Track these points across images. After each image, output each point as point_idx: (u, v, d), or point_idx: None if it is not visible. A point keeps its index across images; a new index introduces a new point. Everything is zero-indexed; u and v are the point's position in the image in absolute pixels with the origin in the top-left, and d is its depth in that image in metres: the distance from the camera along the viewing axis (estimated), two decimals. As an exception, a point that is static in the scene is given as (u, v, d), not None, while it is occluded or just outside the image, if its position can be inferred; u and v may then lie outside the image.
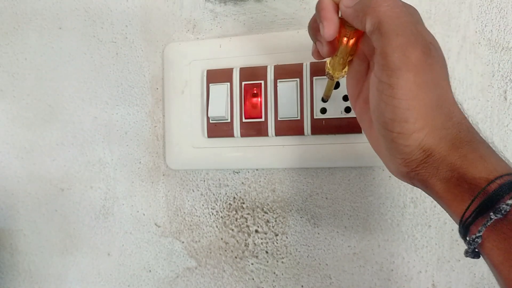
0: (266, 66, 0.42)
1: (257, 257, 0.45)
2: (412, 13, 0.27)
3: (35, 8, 0.50)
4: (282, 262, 0.44)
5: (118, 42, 0.48)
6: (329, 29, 0.28)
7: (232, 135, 0.43)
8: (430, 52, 0.25)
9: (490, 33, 0.39)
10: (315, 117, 0.40)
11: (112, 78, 0.48)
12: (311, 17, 0.30)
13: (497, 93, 0.39)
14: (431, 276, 0.41)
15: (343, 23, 0.29)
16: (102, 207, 0.49)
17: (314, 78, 0.40)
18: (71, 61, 0.49)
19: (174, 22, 0.46)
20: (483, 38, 0.40)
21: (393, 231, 0.42)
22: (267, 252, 0.45)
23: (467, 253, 0.25)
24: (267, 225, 0.44)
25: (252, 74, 0.42)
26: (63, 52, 0.50)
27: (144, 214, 0.48)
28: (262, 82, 0.42)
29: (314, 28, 0.31)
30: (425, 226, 0.41)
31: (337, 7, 0.29)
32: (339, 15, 0.29)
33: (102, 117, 0.49)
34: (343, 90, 0.40)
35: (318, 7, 0.29)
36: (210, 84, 0.43)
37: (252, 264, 0.45)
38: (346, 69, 0.33)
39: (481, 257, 0.25)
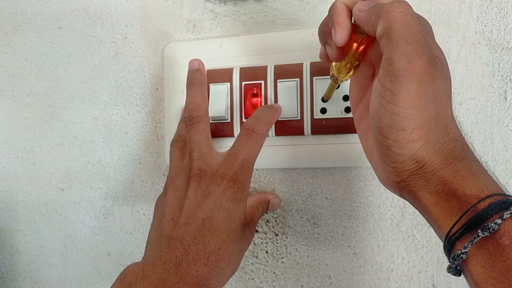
0: (266, 66, 0.42)
1: (257, 257, 0.45)
2: (423, 24, 0.27)
3: (35, 8, 0.50)
4: (282, 262, 0.44)
5: (118, 42, 0.48)
6: (341, 34, 0.28)
7: (232, 135, 0.43)
8: (436, 65, 0.25)
9: (490, 33, 0.39)
10: (315, 117, 0.40)
11: (112, 78, 0.48)
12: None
13: (497, 93, 0.39)
14: (431, 276, 0.41)
15: (354, 28, 0.29)
16: (102, 207, 0.49)
17: (314, 78, 0.40)
18: (71, 61, 0.49)
19: (174, 22, 0.46)
20: (483, 38, 0.40)
21: (393, 231, 0.42)
22: (267, 252, 0.45)
23: (449, 269, 0.25)
24: (267, 225, 0.45)
25: (252, 74, 0.42)
26: (63, 52, 0.50)
27: (144, 214, 0.48)
28: (262, 82, 0.42)
29: (325, 31, 0.31)
30: (425, 226, 0.41)
31: (350, 12, 0.28)
32: (352, 21, 0.29)
33: (102, 117, 0.49)
34: (343, 90, 0.40)
35: (331, 12, 0.29)
36: (210, 84, 0.43)
37: (252, 264, 0.45)
38: (351, 73, 0.33)
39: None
